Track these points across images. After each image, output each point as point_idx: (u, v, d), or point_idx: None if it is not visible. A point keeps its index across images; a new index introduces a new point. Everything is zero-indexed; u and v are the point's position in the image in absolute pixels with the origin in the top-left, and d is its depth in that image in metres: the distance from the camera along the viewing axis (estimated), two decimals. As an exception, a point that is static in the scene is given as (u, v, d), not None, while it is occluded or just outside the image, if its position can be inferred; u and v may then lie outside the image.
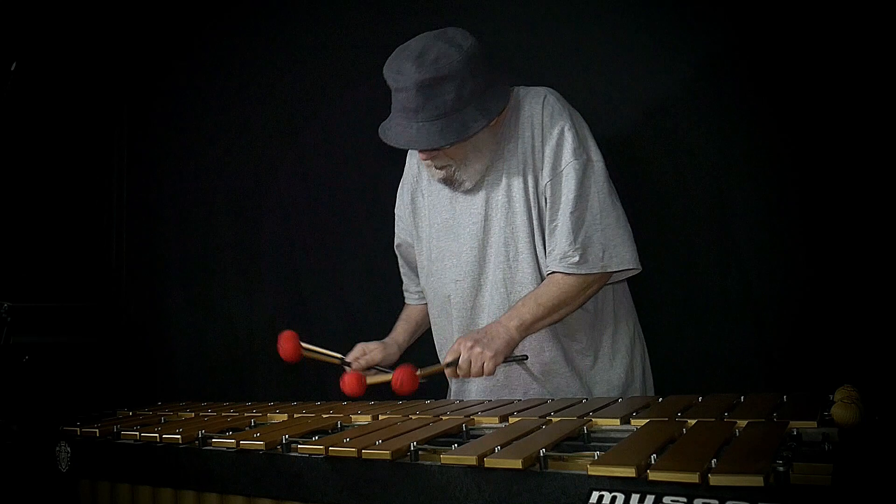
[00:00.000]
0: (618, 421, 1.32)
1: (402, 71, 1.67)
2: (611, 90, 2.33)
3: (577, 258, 1.71)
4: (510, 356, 1.73)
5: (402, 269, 2.15)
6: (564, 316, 1.76)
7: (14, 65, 2.14)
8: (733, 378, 2.15)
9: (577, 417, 1.36)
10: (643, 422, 1.27)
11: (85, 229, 3.22)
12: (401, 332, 2.07)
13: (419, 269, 2.01)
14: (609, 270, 1.73)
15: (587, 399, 1.63)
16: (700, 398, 1.44)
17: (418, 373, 1.69)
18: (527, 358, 1.78)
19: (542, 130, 1.76)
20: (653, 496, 0.92)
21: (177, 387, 3.05)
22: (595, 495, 0.96)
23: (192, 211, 3.16)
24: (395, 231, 2.11)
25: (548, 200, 1.75)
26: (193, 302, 3.13)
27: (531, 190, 1.77)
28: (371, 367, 1.93)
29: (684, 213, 2.28)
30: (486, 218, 1.82)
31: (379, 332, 2.70)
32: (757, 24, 2.11)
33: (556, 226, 1.74)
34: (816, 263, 2.06)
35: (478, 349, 1.66)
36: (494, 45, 2.26)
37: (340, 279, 2.82)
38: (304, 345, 1.88)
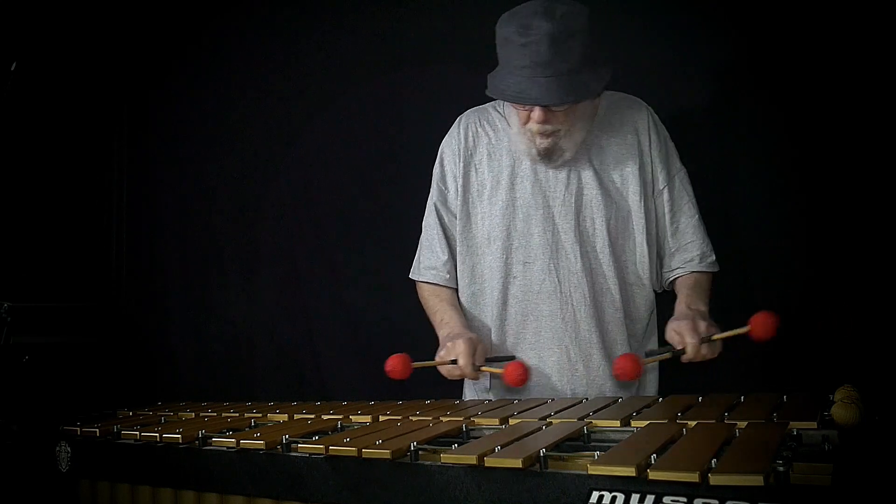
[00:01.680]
0: (618, 421, 1.32)
1: (529, 25, 1.62)
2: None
3: (713, 257, 1.83)
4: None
5: (432, 244, 1.93)
6: None
7: (14, 65, 2.14)
8: (733, 378, 2.15)
9: (578, 419, 1.36)
10: (643, 422, 1.27)
11: (85, 229, 3.22)
12: (457, 317, 1.87)
13: (465, 249, 1.88)
14: (715, 270, 1.85)
15: (587, 399, 1.63)
16: (700, 398, 1.45)
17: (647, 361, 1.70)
18: (684, 350, 1.65)
19: (650, 135, 1.83)
20: (653, 496, 0.92)
21: (177, 387, 3.05)
22: (595, 495, 0.96)
23: (192, 211, 3.16)
24: (434, 199, 1.94)
25: (665, 204, 1.83)
26: (193, 302, 3.13)
27: (636, 187, 1.80)
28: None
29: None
30: (565, 204, 1.80)
31: (379, 331, 2.71)
32: (757, 24, 2.11)
33: (679, 228, 1.84)
34: (816, 264, 2.06)
35: (713, 328, 1.65)
36: (486, 49, 2.27)
37: (340, 279, 2.82)
38: (414, 364, 1.74)
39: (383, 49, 2.69)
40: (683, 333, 1.61)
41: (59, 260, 3.06)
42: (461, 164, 1.89)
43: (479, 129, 1.89)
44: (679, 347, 1.61)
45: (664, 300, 1.89)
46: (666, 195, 1.83)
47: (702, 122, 2.23)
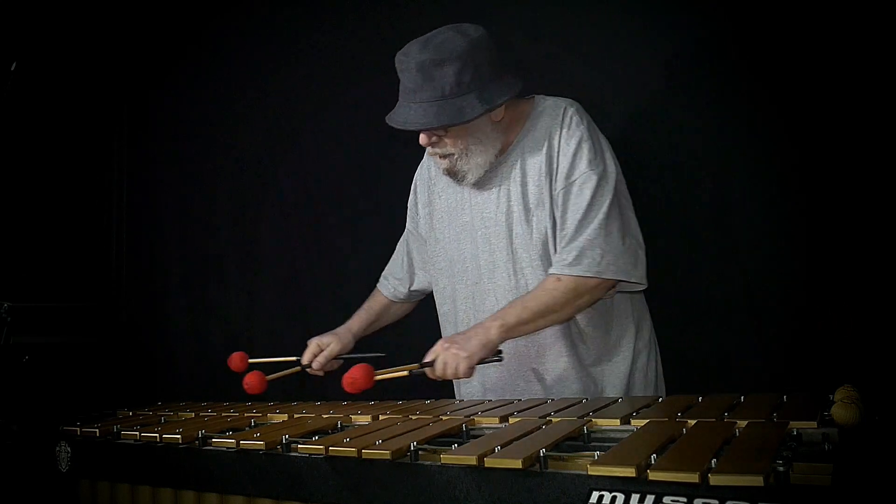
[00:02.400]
0: (618, 421, 1.32)
1: (407, 53, 1.72)
2: (611, 91, 2.33)
3: (570, 258, 1.69)
4: (486, 357, 1.70)
5: (398, 259, 2.14)
6: (552, 324, 1.74)
7: (14, 65, 2.14)
8: (733, 378, 2.15)
9: (577, 417, 1.36)
10: (643, 422, 1.27)
11: (85, 229, 3.22)
12: (357, 321, 2.10)
13: (435, 270, 1.99)
14: (604, 277, 1.69)
15: (587, 399, 1.63)
16: (700, 398, 1.44)
17: (384, 375, 1.72)
18: (501, 358, 1.75)
19: (560, 140, 1.77)
20: (653, 496, 0.92)
21: (177, 387, 3.05)
22: (595, 495, 0.96)
23: (192, 211, 3.16)
24: (408, 223, 2.10)
25: (558, 209, 1.75)
26: (193, 302, 3.13)
27: (545, 198, 1.77)
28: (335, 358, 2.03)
29: (684, 214, 2.28)
30: (497, 223, 1.83)
31: (379, 332, 2.70)
32: (756, 25, 2.11)
33: (566, 233, 1.74)
34: (817, 264, 2.06)
35: (453, 350, 1.66)
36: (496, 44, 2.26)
37: (340, 279, 2.82)
38: (252, 360, 2.05)
39: (383, 49, 2.68)
40: (437, 350, 1.69)
41: (59, 260, 3.06)
42: (426, 193, 2.01)
43: None
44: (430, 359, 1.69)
45: (665, 299, 1.89)
46: (560, 199, 1.75)
47: (702, 122, 2.22)
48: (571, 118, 1.78)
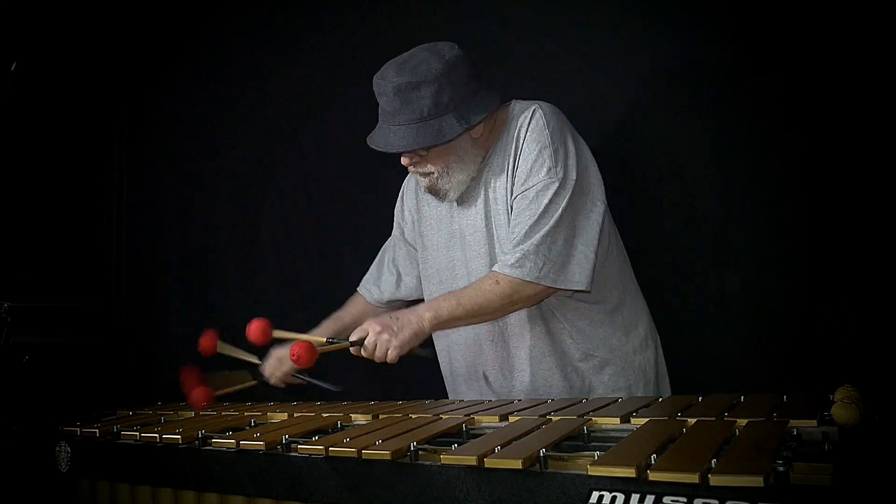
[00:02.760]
0: (618, 420, 1.32)
1: (384, 76, 1.73)
2: (610, 93, 2.33)
3: (513, 260, 1.68)
4: (416, 350, 1.72)
5: (383, 265, 2.15)
6: (481, 322, 1.78)
7: (14, 65, 2.14)
8: (733, 378, 2.15)
9: (577, 416, 1.36)
10: (643, 421, 1.27)
11: (85, 229, 3.22)
12: (324, 329, 2.06)
13: (424, 277, 2.01)
14: (544, 284, 1.68)
15: (587, 399, 1.63)
16: (700, 398, 1.44)
17: (319, 348, 1.74)
18: (431, 356, 1.81)
19: (522, 145, 1.76)
20: (653, 496, 0.92)
21: (177, 387, 3.05)
22: (595, 495, 0.96)
23: (192, 211, 3.16)
24: (394, 230, 2.14)
25: (513, 211, 1.75)
26: (193, 302, 3.13)
27: (508, 205, 1.78)
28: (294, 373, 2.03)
29: (684, 214, 2.28)
30: (478, 230, 1.84)
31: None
32: (756, 25, 2.11)
33: (514, 236, 1.72)
34: (816, 264, 2.06)
35: (385, 336, 1.67)
36: (487, 50, 2.27)
37: (340, 279, 2.82)
38: (221, 343, 2.09)
39: (383, 49, 2.68)
40: (366, 329, 1.70)
41: (59, 260, 3.06)
42: (414, 200, 2.02)
43: None
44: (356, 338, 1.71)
45: (665, 299, 1.89)
46: (515, 204, 1.74)
47: (702, 122, 2.23)
48: (537, 122, 1.75)
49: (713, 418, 1.24)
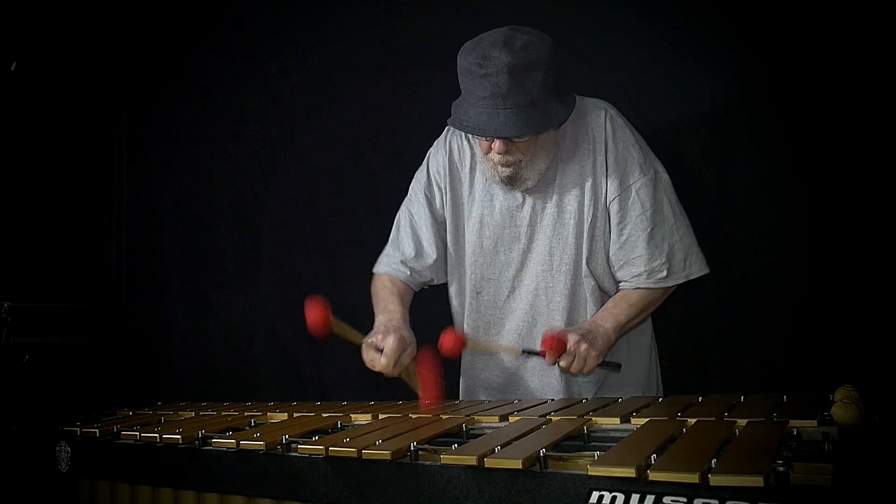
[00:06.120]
0: (618, 420, 1.32)
1: (489, 57, 1.61)
2: (610, 92, 2.32)
3: (664, 273, 1.73)
4: (607, 359, 1.72)
5: (415, 245, 1.94)
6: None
7: (14, 65, 2.14)
8: (733, 378, 2.15)
9: (577, 416, 1.36)
10: (643, 421, 1.27)
11: (85, 229, 3.22)
12: (401, 313, 1.87)
13: (455, 257, 1.91)
14: (692, 278, 1.75)
15: (587, 399, 1.63)
16: (700, 398, 1.45)
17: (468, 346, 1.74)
18: (620, 366, 1.76)
19: (606, 145, 1.74)
20: (653, 496, 0.92)
21: (177, 387, 3.05)
22: (595, 495, 0.96)
23: (192, 211, 3.16)
24: (413, 202, 1.96)
25: (614, 216, 1.75)
26: (193, 302, 3.14)
27: (587, 203, 1.76)
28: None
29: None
30: (532, 223, 1.80)
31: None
32: (756, 25, 2.11)
33: (627, 241, 1.74)
34: (816, 264, 2.06)
35: (584, 346, 1.63)
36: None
37: (340, 279, 2.82)
38: (336, 325, 1.78)
39: (383, 49, 2.69)
40: (560, 338, 1.65)
41: (59, 260, 3.06)
42: (447, 177, 1.90)
43: (464, 141, 1.88)
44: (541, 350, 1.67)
45: (665, 301, 1.88)
46: (615, 206, 1.74)
47: (703, 123, 2.23)
48: (615, 120, 1.76)
49: (713, 418, 1.24)
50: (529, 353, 1.77)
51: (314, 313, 1.75)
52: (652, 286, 1.74)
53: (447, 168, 1.90)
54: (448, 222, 1.91)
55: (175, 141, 3.20)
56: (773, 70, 2.10)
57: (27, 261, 2.89)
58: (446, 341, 1.72)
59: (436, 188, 1.93)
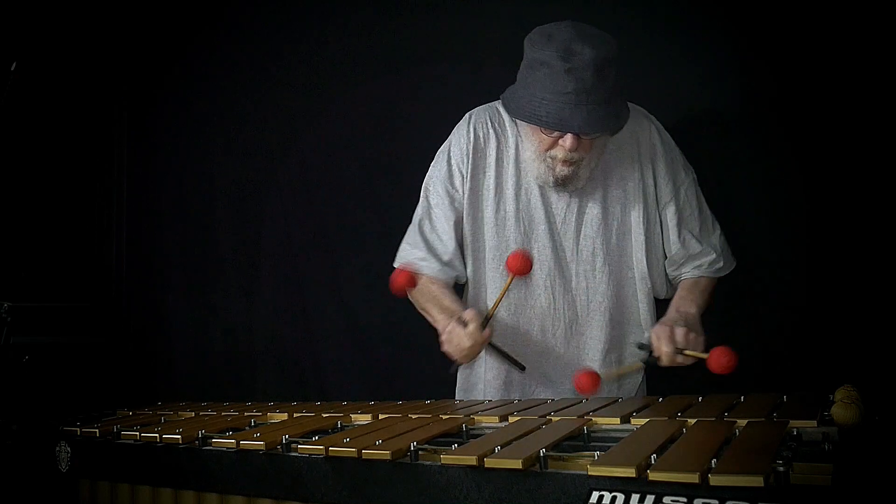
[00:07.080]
0: (618, 420, 1.32)
1: (572, 50, 1.57)
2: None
3: (721, 263, 1.85)
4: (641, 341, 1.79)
5: (453, 242, 1.83)
6: None
7: (14, 65, 2.14)
8: (733, 378, 2.15)
9: (577, 416, 1.36)
10: (643, 421, 1.27)
11: (85, 229, 3.22)
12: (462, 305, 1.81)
13: (476, 253, 1.84)
14: (732, 267, 1.88)
15: (587, 399, 1.63)
16: (700, 398, 1.45)
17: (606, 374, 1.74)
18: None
19: (654, 149, 1.80)
20: (653, 496, 0.92)
21: (177, 387, 3.05)
22: (595, 495, 0.96)
23: (192, 211, 3.16)
24: (437, 195, 1.85)
25: (671, 218, 1.82)
26: (193, 302, 3.13)
27: (639, 207, 1.79)
28: None
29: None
30: (576, 223, 1.79)
31: (379, 332, 2.70)
32: (755, 26, 2.11)
33: (686, 239, 1.83)
34: (816, 264, 2.06)
35: (692, 335, 1.63)
36: (487, 50, 2.26)
37: (340, 279, 2.82)
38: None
39: (384, 49, 2.69)
40: (661, 340, 1.63)
41: (59, 260, 3.06)
42: (469, 166, 1.82)
43: (490, 130, 1.83)
44: (655, 354, 1.65)
45: (665, 299, 1.89)
46: (672, 208, 1.82)
47: (703, 124, 2.22)
48: (658, 126, 1.84)
49: (713, 418, 1.24)
50: (645, 356, 1.72)
51: (401, 280, 1.73)
52: (713, 275, 1.85)
53: (471, 156, 1.81)
54: (467, 214, 1.83)
55: (175, 141, 3.20)
56: (773, 70, 2.10)
57: (27, 261, 2.89)
58: (584, 384, 1.60)
59: (457, 176, 1.82)
